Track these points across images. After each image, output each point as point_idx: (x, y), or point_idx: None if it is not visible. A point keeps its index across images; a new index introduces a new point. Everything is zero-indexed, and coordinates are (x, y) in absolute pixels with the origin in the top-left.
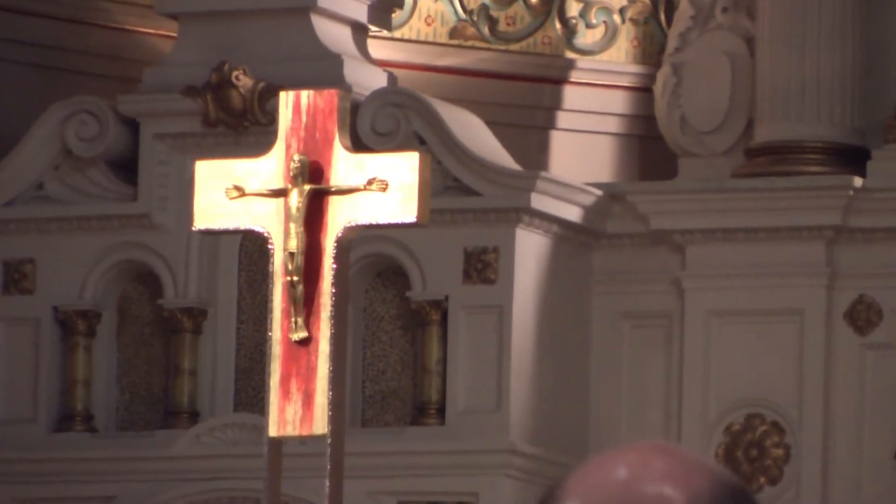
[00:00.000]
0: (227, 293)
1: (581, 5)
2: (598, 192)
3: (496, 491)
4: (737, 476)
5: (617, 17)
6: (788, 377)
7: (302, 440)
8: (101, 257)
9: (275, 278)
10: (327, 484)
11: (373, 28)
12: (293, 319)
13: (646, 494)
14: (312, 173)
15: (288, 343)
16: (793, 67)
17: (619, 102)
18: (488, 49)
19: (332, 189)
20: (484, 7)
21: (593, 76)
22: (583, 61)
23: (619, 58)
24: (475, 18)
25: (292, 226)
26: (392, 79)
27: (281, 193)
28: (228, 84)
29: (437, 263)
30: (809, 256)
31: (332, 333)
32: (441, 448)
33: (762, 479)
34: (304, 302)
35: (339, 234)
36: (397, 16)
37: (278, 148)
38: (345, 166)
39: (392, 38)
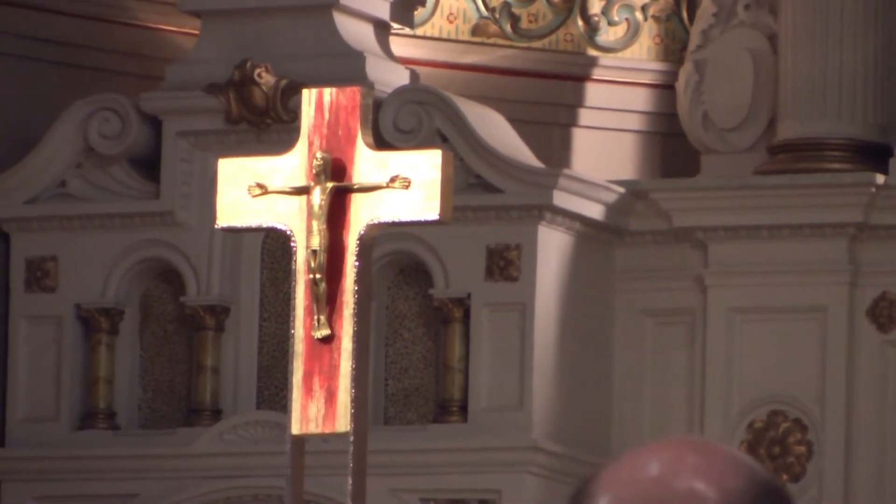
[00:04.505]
0: (250, 291)
1: (603, 2)
2: (621, 190)
3: (518, 488)
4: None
5: (639, 14)
6: (811, 374)
7: (324, 438)
8: (123, 255)
9: (297, 276)
10: (350, 482)
11: (395, 25)
12: (316, 317)
13: (678, 491)
14: (335, 171)
15: (310, 340)
16: (815, 64)
17: (641, 99)
18: (510, 46)
19: (355, 186)
20: (506, 4)
21: (615, 73)
22: (605, 58)
23: (642, 55)
24: (497, 16)
25: (315, 223)
26: (414, 76)
27: (303, 191)
28: (251, 81)
29: (459, 261)
30: (832, 253)
31: (354, 331)
32: (463, 445)
33: (785, 477)
34: (326, 299)
35: (362, 232)
36: (419, 13)
37: (301, 145)
38: (367, 164)
39: (414, 36)
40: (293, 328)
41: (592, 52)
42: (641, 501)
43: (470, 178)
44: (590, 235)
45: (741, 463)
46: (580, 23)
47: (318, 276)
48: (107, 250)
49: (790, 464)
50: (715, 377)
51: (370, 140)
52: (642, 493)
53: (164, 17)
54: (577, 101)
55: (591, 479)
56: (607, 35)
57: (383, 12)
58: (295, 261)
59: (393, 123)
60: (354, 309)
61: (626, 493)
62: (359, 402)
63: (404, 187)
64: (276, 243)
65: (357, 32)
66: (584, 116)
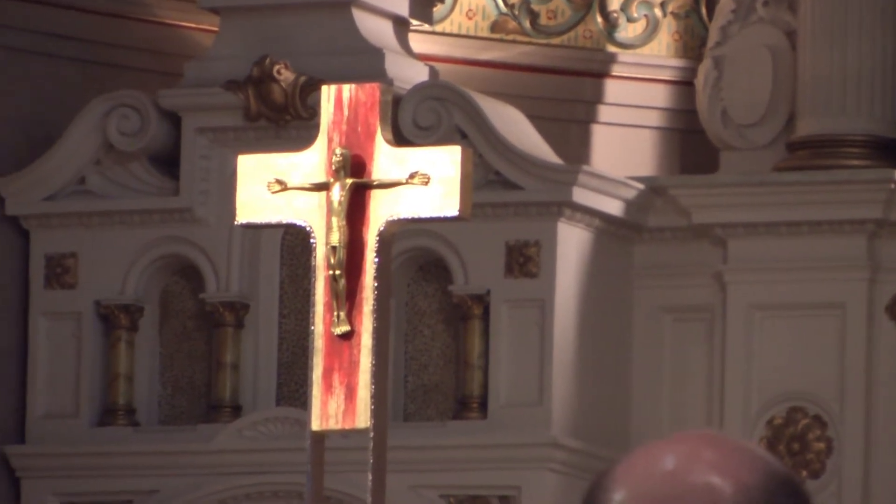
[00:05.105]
0: (269, 287)
1: None
2: (640, 186)
3: (538, 484)
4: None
5: (658, 11)
6: (830, 371)
7: (344, 434)
8: (142, 251)
9: (317, 272)
10: (370, 478)
11: (414, 22)
12: (335, 313)
13: (693, 485)
14: (354, 167)
15: (330, 337)
16: (834, 61)
17: (660, 96)
18: (529, 43)
19: (374, 183)
20: (525, 1)
21: (634, 70)
22: (624, 55)
23: (661, 51)
24: (516, 12)
25: (334, 220)
26: (433, 73)
27: (323, 187)
28: (270, 78)
29: (478, 257)
30: (851, 250)
31: (374, 327)
32: (483, 442)
33: (804, 473)
34: (346, 296)
35: (381, 228)
36: (438, 10)
37: (320, 142)
38: (387, 160)
39: (433, 32)
40: (313, 324)
41: (611, 49)
42: (657, 496)
43: (489, 175)
44: (609, 232)
45: (757, 457)
46: (599, 19)
47: (337, 272)
48: (126, 247)
49: (809, 460)
50: (734, 374)
51: (389, 136)
52: (658, 487)
53: (183, 14)
54: (596, 98)
55: (607, 474)
56: (626, 31)
57: (402, 9)
58: (314, 257)
59: (412, 120)
60: (374, 305)
61: (641, 488)
62: (378, 399)
63: (423, 184)
64: (295, 240)
65: (376, 29)
66: (604, 113)
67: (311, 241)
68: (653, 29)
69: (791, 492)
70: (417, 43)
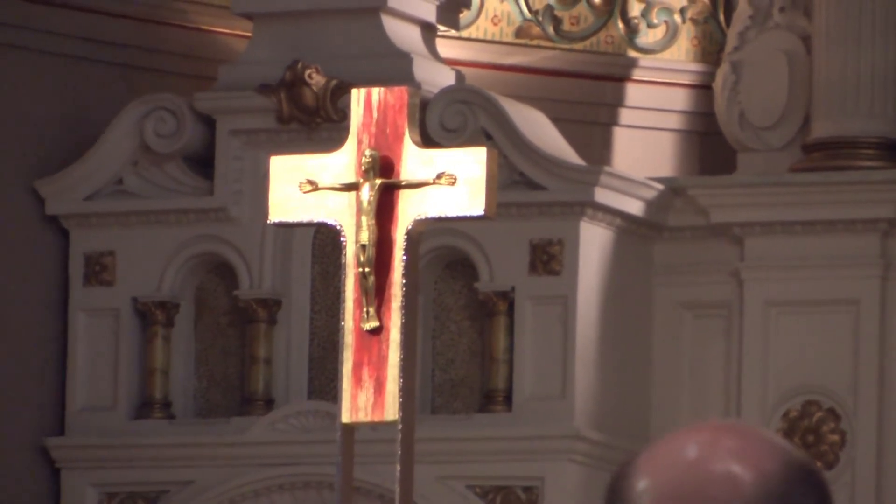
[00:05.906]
0: (301, 284)
1: (643, 5)
2: (660, 187)
3: (561, 476)
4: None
5: (677, 17)
6: (844, 365)
7: (373, 426)
8: (178, 250)
9: (347, 270)
10: (398, 469)
11: (441, 28)
12: (365, 309)
13: (714, 473)
14: (383, 168)
15: (360, 332)
16: (848, 65)
17: (679, 99)
18: (553, 48)
19: (403, 183)
20: (549, 7)
21: (655, 74)
22: (644, 60)
23: (680, 56)
24: (540, 18)
25: (364, 219)
26: (460, 77)
27: (353, 187)
28: (301, 82)
29: (503, 255)
30: (864, 248)
31: (402, 323)
32: (508, 434)
33: (819, 464)
34: (375, 292)
35: (409, 227)
36: (465, 16)
37: (350, 143)
38: (414, 161)
39: (460, 38)
40: (343, 320)
41: (632, 54)
42: (679, 484)
43: (514, 176)
44: (630, 231)
45: (777, 446)
46: (620, 25)
47: (367, 269)
48: (162, 245)
49: (824, 452)
50: (751, 368)
51: (417, 138)
52: (680, 476)
53: (218, 20)
54: (618, 101)
55: (630, 464)
56: (647, 37)
57: (430, 15)
58: (345, 255)
59: (439, 122)
60: (402, 301)
61: (663, 477)
62: (407, 392)
63: (450, 184)
64: (326, 238)
65: (404, 34)
66: (625, 116)
67: (342, 239)
68: (672, 34)
69: (810, 480)
70: (444, 48)
